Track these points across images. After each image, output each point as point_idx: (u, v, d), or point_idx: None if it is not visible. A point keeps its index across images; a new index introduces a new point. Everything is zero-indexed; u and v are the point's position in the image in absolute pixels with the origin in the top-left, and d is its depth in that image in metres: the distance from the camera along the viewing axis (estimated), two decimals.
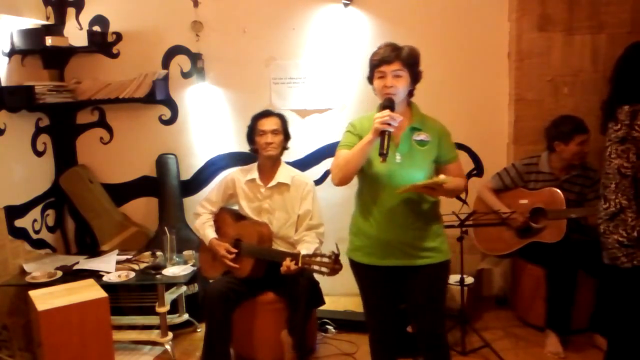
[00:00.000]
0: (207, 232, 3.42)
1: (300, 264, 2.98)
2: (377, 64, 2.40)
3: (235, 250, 3.28)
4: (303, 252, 3.06)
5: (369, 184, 2.47)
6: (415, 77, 2.43)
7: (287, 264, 3.01)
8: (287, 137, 3.45)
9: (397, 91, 2.36)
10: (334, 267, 2.88)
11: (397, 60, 2.36)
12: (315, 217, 3.39)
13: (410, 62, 2.39)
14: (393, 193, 2.37)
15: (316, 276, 3.25)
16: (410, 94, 2.49)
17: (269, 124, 3.36)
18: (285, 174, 3.41)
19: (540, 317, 3.52)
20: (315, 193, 3.45)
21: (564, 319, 3.37)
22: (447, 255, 2.51)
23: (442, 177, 2.30)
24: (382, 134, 2.26)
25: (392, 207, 2.40)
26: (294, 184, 3.39)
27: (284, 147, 3.46)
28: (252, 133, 3.41)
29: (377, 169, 2.39)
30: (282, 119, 3.44)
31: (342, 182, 2.42)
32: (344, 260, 2.86)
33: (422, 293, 2.47)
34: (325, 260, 2.91)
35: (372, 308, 2.61)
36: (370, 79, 2.47)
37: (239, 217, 3.45)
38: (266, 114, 3.43)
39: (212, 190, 3.61)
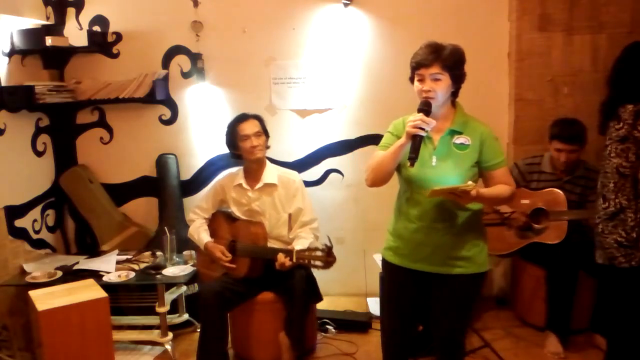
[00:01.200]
0: (202, 236, 3.40)
1: (294, 260, 3.00)
2: (415, 66, 2.29)
3: (230, 255, 3.28)
4: (297, 247, 3.08)
5: (405, 186, 2.42)
6: (457, 79, 2.31)
7: (282, 260, 3.03)
8: (267, 136, 3.44)
9: (435, 95, 2.25)
10: (327, 260, 2.94)
11: (435, 63, 2.24)
12: (307, 213, 3.40)
13: (451, 64, 2.27)
14: (433, 199, 2.30)
15: (314, 273, 3.28)
16: (455, 94, 2.39)
17: (250, 127, 3.34)
18: (271, 174, 3.40)
19: (540, 317, 3.52)
20: (303, 189, 3.46)
21: (564, 321, 3.37)
22: (482, 268, 2.40)
23: (469, 183, 2.19)
24: (413, 138, 2.19)
25: (427, 211, 2.34)
26: (281, 183, 3.39)
27: (267, 147, 3.45)
28: (234, 139, 3.37)
29: (411, 172, 2.30)
30: (260, 119, 3.43)
31: (375, 183, 2.35)
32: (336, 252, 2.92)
33: (449, 302, 2.40)
34: (319, 254, 2.96)
35: (392, 309, 2.56)
36: (412, 80, 2.35)
37: (234, 218, 3.45)
38: (244, 117, 3.39)
39: (203, 197, 3.62)
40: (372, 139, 4.01)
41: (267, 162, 3.46)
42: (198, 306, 3.23)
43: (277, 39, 4.02)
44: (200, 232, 3.42)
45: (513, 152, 3.97)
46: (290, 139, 4.13)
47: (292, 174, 3.50)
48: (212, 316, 3.13)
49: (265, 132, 3.41)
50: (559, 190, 3.49)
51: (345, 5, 3.92)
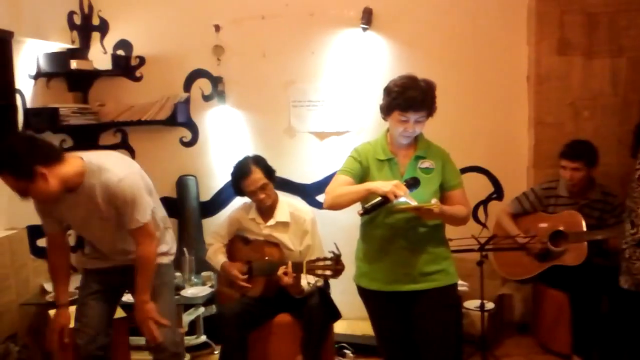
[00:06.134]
0: (218, 258, 3.35)
1: (304, 271, 3.02)
2: (404, 107, 2.33)
3: (245, 271, 3.26)
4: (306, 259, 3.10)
5: (374, 213, 2.41)
6: (431, 114, 2.42)
7: (280, 275, 3.03)
8: (273, 179, 3.33)
9: (415, 134, 2.40)
10: (337, 268, 2.96)
11: (424, 109, 2.34)
12: (316, 252, 3.29)
13: (433, 106, 2.39)
14: (396, 219, 2.37)
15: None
16: None
17: (254, 182, 3.21)
18: (283, 211, 3.32)
19: (563, 344, 3.45)
20: (315, 225, 3.36)
21: (590, 344, 3.30)
22: (454, 279, 2.47)
23: (433, 201, 2.27)
24: (385, 198, 2.22)
25: (395, 232, 2.39)
26: (293, 220, 3.31)
27: (275, 186, 3.36)
28: (240, 191, 3.31)
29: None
30: (261, 163, 3.29)
31: (332, 208, 2.40)
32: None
33: (429, 318, 2.42)
34: (328, 263, 2.98)
35: (383, 335, 2.58)
36: (385, 110, 2.43)
37: (250, 240, 3.41)
38: (246, 172, 3.23)
39: (219, 224, 3.55)
40: None
41: (280, 197, 3.39)
42: (219, 327, 3.21)
43: (296, 62, 4.07)
44: (217, 255, 3.40)
45: (533, 176, 3.93)
46: (308, 161, 4.15)
47: (304, 210, 3.40)
48: (233, 338, 3.11)
49: (270, 177, 3.29)
50: (576, 212, 3.44)
51: (364, 29, 3.95)
